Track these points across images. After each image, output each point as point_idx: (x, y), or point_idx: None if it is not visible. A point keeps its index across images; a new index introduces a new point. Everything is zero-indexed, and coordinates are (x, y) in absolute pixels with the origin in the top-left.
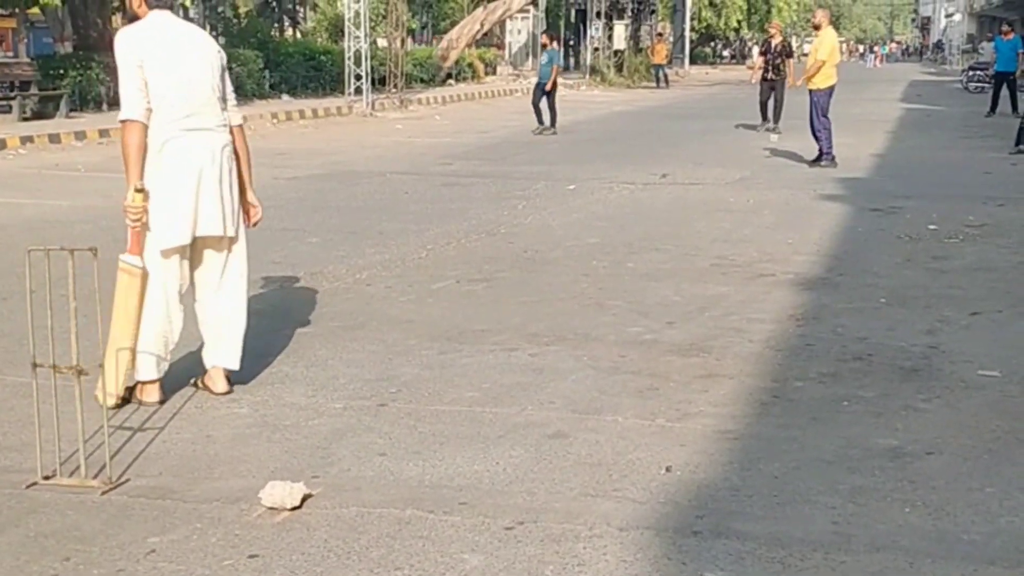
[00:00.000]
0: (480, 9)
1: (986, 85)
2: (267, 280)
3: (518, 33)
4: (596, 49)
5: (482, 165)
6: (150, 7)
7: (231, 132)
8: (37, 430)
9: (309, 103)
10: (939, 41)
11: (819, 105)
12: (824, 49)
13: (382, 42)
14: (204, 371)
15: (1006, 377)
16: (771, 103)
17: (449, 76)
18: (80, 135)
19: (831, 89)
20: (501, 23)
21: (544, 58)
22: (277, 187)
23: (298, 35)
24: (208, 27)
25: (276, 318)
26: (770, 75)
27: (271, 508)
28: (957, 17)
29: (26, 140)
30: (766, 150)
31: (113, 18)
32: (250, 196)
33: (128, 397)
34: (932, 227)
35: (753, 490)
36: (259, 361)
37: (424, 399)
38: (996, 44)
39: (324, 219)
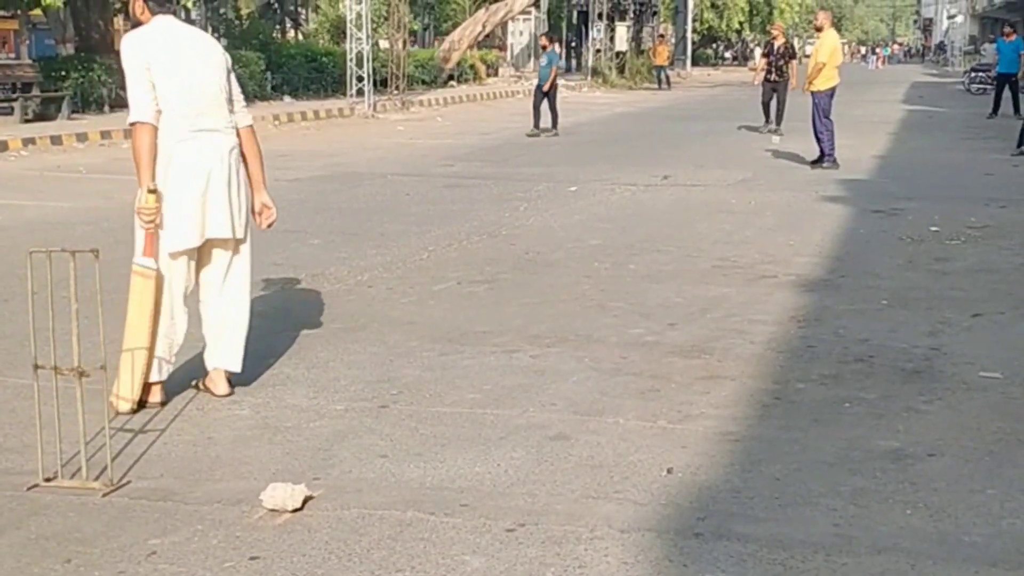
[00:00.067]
0: (482, 11)
1: (988, 87)
2: (269, 282)
3: (520, 35)
4: (598, 51)
5: (484, 167)
6: (153, 13)
7: (240, 134)
8: (38, 432)
9: (311, 105)
10: (941, 43)
11: (820, 107)
12: (824, 51)
13: (384, 44)
14: (205, 373)
15: (1008, 379)
16: (773, 104)
17: (451, 78)
18: (82, 137)
19: (832, 91)
20: (503, 25)
21: (543, 60)
22: (279, 189)
23: (300, 37)
24: (210, 29)
25: (277, 320)
26: (773, 76)
27: (272, 510)
28: (959, 19)
29: (28, 142)
30: (768, 151)
31: (115, 20)
32: (265, 197)
33: (145, 401)
34: (934, 229)
35: (754, 492)
36: (260, 363)
37: (425, 401)
38: (998, 46)
39: (326, 221)
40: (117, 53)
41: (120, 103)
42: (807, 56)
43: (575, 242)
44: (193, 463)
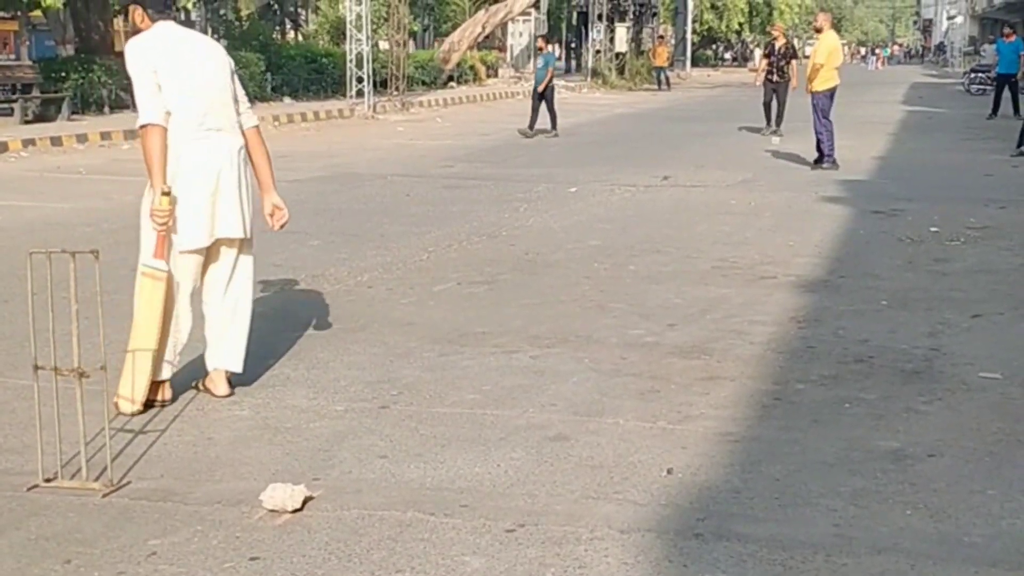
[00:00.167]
0: (482, 12)
1: (988, 87)
2: (268, 283)
3: (519, 36)
4: (598, 52)
5: (483, 167)
6: (153, 20)
7: (246, 135)
8: (38, 432)
9: (311, 106)
10: (941, 43)
11: (820, 108)
12: (822, 52)
13: (384, 45)
14: (205, 374)
15: (1007, 379)
16: (774, 105)
17: (450, 79)
18: (82, 138)
19: (832, 91)
20: (503, 26)
21: (540, 62)
22: (279, 190)
23: (300, 38)
24: (210, 30)
25: (277, 320)
26: (774, 77)
27: (272, 510)
28: (959, 19)
29: (28, 143)
30: (768, 152)
31: (115, 21)
32: (276, 198)
33: (153, 402)
34: (933, 229)
35: (754, 492)
36: (260, 363)
37: (425, 401)
38: (998, 46)
39: (325, 221)
40: (117, 54)
41: (120, 104)
42: (807, 57)
43: (575, 243)
44: (193, 464)
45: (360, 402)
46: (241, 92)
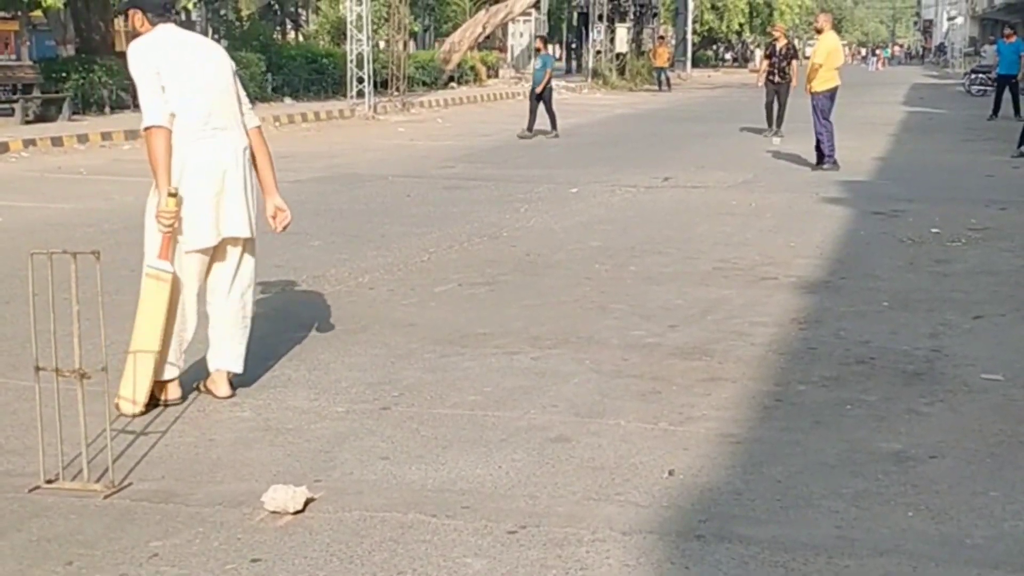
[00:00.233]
0: (482, 12)
1: (988, 88)
2: (270, 284)
3: (520, 36)
4: (598, 52)
5: (484, 168)
6: (153, 24)
7: (248, 135)
8: (40, 434)
9: (311, 106)
10: (941, 44)
11: (819, 108)
12: (821, 53)
13: (384, 45)
14: (206, 375)
15: (1009, 380)
16: (775, 106)
17: (451, 79)
18: (83, 138)
19: (831, 92)
20: (503, 26)
21: (537, 63)
22: (280, 190)
23: (300, 38)
24: (210, 30)
25: (278, 321)
26: (775, 78)
27: (274, 512)
28: (959, 20)
29: (28, 143)
30: (768, 153)
31: (115, 21)
32: (278, 200)
33: (157, 402)
34: (934, 230)
35: (756, 494)
36: (261, 364)
37: (426, 403)
38: (998, 47)
39: (326, 222)
40: (118, 54)
41: (121, 104)
42: (807, 58)
43: (576, 244)
44: (194, 465)
45: (361, 403)
46: (243, 93)
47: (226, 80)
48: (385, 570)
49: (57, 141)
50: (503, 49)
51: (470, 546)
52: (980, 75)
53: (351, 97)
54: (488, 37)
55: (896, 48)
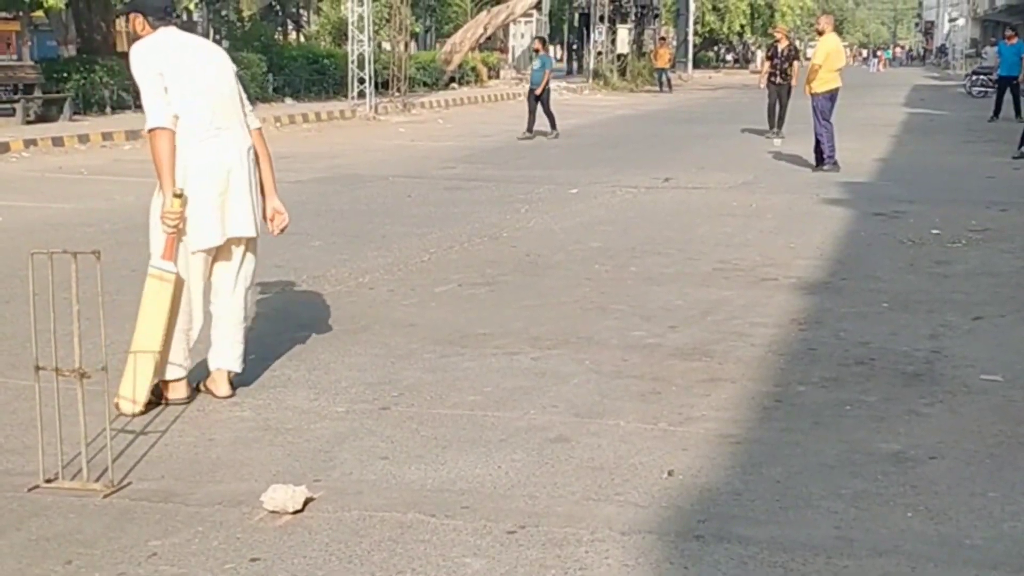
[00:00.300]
0: (483, 13)
1: (989, 90)
2: (269, 284)
3: (521, 37)
4: (599, 53)
5: (485, 169)
6: (154, 27)
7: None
8: (39, 433)
9: (312, 107)
10: (943, 46)
11: (819, 110)
12: (820, 54)
13: (386, 46)
14: (206, 374)
15: (1009, 382)
16: (776, 108)
17: (452, 80)
18: (83, 138)
19: (831, 93)
20: (504, 27)
21: (536, 63)
22: (280, 191)
23: (301, 38)
24: (212, 30)
25: (278, 321)
26: (777, 80)
27: (273, 512)
28: (961, 22)
29: (29, 143)
30: (769, 154)
31: (117, 21)
32: (276, 202)
33: (158, 401)
34: (935, 231)
35: (755, 494)
36: (261, 364)
37: (426, 403)
38: (1000, 49)
39: (327, 223)
40: (119, 55)
41: (122, 105)
42: (808, 59)
43: (576, 244)
44: (194, 464)
45: (361, 403)
46: (243, 95)
47: (228, 82)
48: (384, 570)
49: (58, 141)
50: (504, 50)
51: (469, 546)
52: (981, 76)
53: (352, 98)
54: (489, 38)
55: (897, 49)
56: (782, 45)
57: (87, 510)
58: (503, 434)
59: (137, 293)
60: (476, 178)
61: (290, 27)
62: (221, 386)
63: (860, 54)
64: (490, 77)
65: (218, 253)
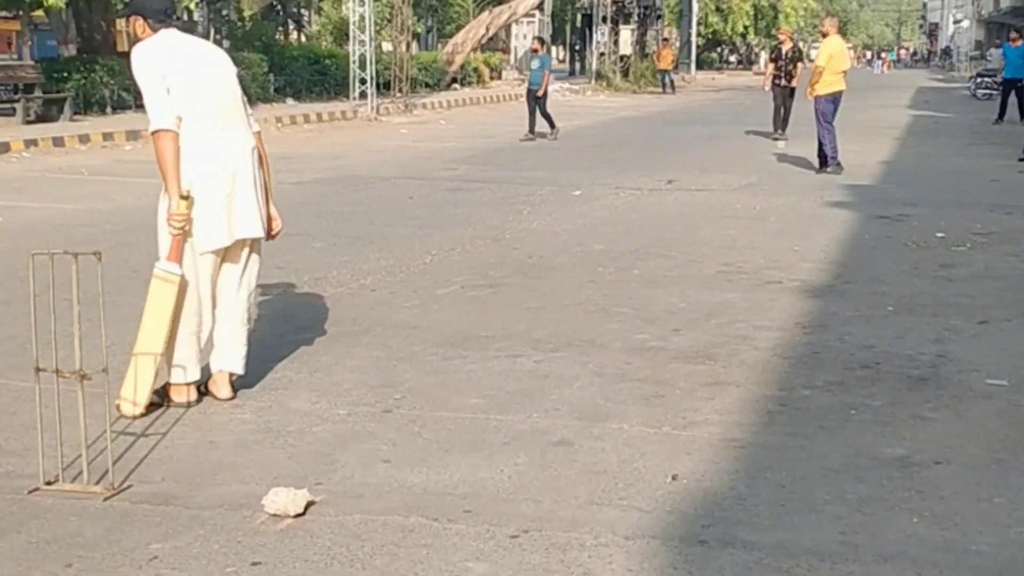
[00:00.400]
0: (486, 13)
1: (994, 92)
2: (271, 285)
3: (523, 37)
4: (602, 54)
5: (487, 170)
6: (154, 29)
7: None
8: (39, 435)
9: (314, 107)
10: (947, 47)
11: (821, 112)
12: (823, 56)
13: (387, 46)
14: (208, 376)
15: (1014, 386)
16: (781, 109)
17: (454, 80)
18: (84, 138)
19: (833, 96)
20: (507, 27)
21: (535, 64)
22: (281, 192)
23: (303, 39)
24: (212, 30)
25: (280, 323)
26: (782, 82)
27: (274, 515)
28: (965, 23)
29: (30, 143)
30: (772, 156)
31: (117, 21)
32: (271, 208)
33: (161, 402)
34: (940, 235)
35: (760, 499)
36: (263, 366)
37: (428, 406)
38: (1004, 51)
39: (328, 224)
40: (120, 54)
41: (123, 105)
42: (811, 60)
43: (579, 246)
44: (195, 467)
45: (363, 406)
46: (244, 97)
47: (229, 83)
48: (386, 574)
49: (58, 141)
50: (506, 51)
51: (472, 550)
52: (986, 79)
53: (353, 98)
54: (491, 38)
55: (901, 51)
56: (786, 47)
57: (87, 513)
58: (506, 437)
59: (138, 294)
60: (478, 179)
61: (291, 27)
62: (223, 388)
63: (864, 56)
64: (492, 78)
65: (225, 254)
